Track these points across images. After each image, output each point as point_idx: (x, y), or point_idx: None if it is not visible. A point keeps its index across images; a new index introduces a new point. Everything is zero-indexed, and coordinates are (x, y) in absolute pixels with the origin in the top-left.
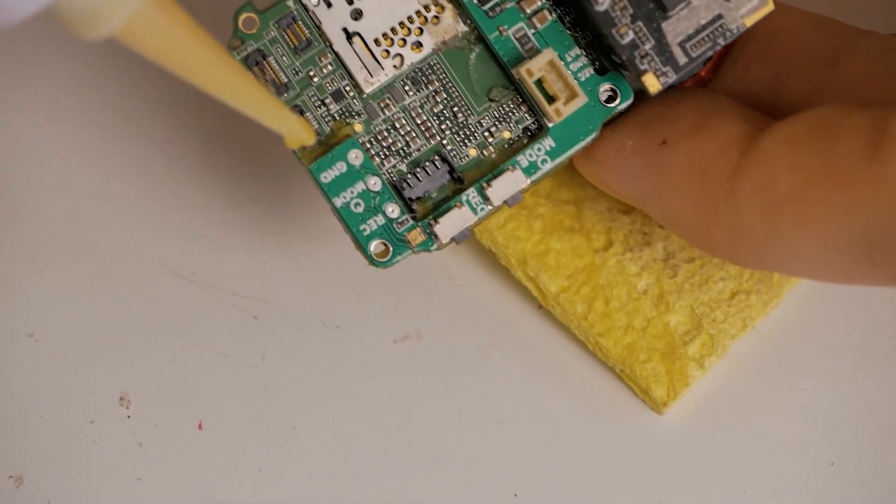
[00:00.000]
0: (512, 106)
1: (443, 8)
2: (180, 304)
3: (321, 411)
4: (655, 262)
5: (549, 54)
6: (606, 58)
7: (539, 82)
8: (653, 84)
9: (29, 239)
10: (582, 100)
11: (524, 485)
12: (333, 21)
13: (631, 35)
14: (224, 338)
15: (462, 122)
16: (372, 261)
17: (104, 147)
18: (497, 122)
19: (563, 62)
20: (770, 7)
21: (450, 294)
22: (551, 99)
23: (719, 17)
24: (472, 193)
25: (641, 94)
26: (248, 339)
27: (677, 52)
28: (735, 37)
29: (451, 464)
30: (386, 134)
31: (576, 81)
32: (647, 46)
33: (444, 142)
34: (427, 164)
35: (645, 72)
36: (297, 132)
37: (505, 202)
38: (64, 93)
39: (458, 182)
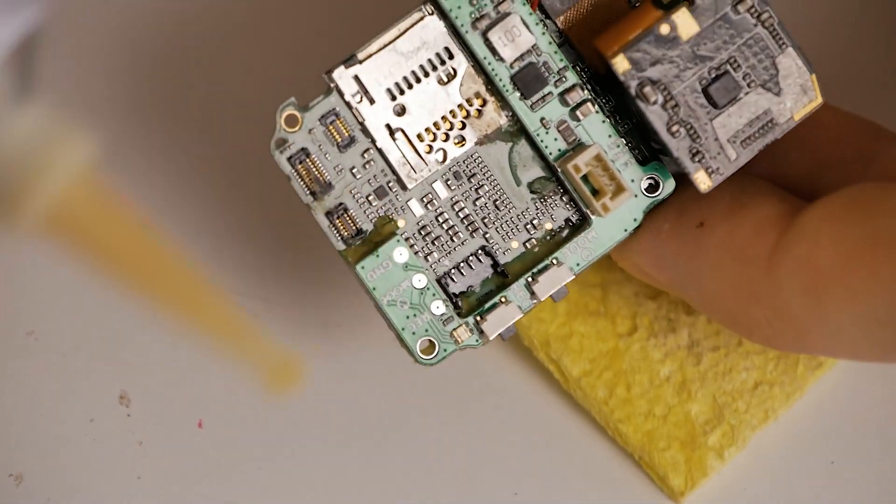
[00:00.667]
0: (554, 197)
1: (485, 101)
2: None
3: (321, 411)
4: (680, 349)
5: (595, 150)
6: (646, 145)
7: (584, 177)
8: (704, 182)
9: (29, 239)
10: (629, 194)
11: None
12: (377, 117)
13: (682, 133)
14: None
15: (504, 215)
16: (419, 359)
17: (104, 146)
18: (539, 214)
19: (607, 155)
20: (819, 101)
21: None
22: (596, 192)
23: (768, 111)
24: (517, 289)
25: (679, 178)
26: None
27: (728, 148)
28: (785, 132)
29: (451, 464)
30: (430, 229)
31: (622, 176)
32: (699, 144)
33: (487, 235)
34: (471, 258)
35: (697, 169)
36: (281, 369)
37: (551, 296)
38: (64, 92)
39: (503, 276)
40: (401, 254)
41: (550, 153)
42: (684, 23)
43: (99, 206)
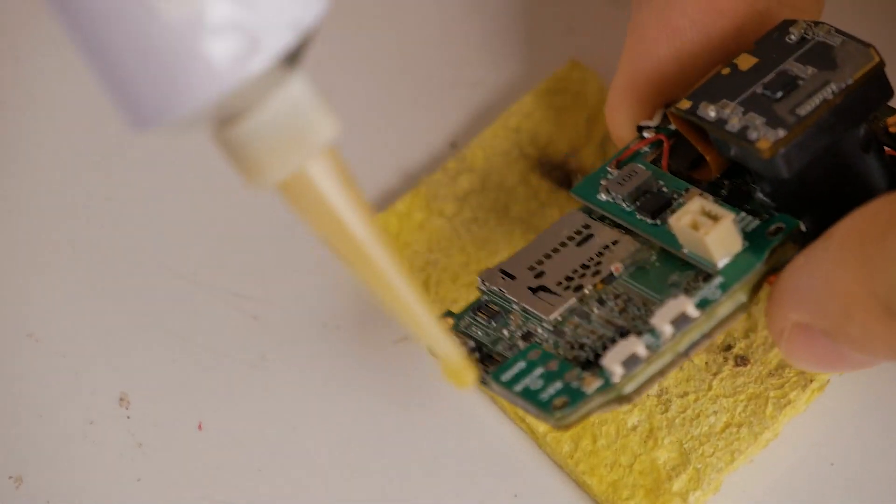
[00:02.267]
0: (690, 283)
1: (617, 241)
2: (180, 305)
3: (321, 411)
4: (648, 397)
5: (696, 202)
6: (768, 211)
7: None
8: (765, 145)
9: (29, 239)
10: (727, 220)
11: None
12: (519, 287)
13: (743, 123)
14: (224, 338)
15: (645, 312)
16: (555, 416)
17: (104, 147)
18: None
19: (709, 199)
20: (875, 59)
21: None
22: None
23: (827, 82)
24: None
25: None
26: (248, 339)
27: (787, 117)
28: (844, 92)
29: (452, 464)
30: (572, 339)
31: (721, 210)
32: (759, 123)
33: (628, 326)
34: (607, 341)
35: (757, 140)
36: (458, 367)
37: (677, 330)
38: (65, 92)
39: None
40: (536, 354)
41: (678, 244)
42: (744, 61)
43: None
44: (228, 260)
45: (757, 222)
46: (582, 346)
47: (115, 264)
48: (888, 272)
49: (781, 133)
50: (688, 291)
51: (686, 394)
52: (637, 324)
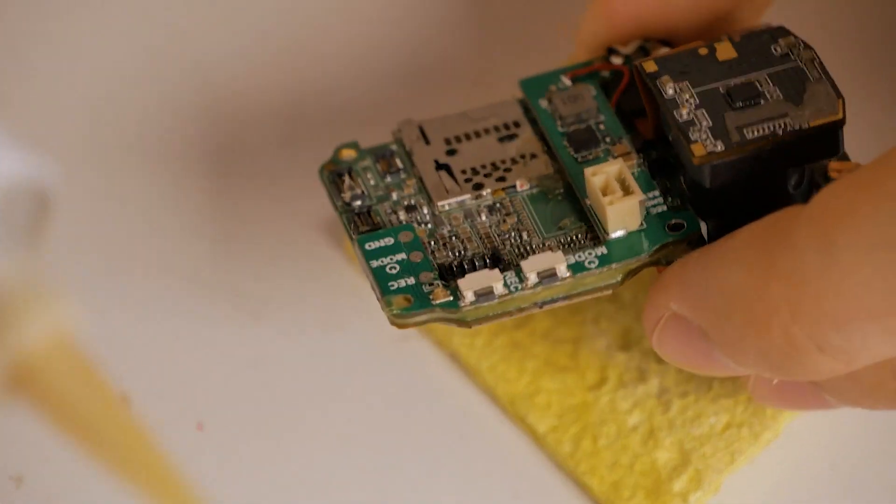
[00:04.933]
0: (578, 236)
1: (535, 156)
2: (180, 304)
3: (321, 411)
4: (649, 397)
5: (618, 163)
6: (682, 199)
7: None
8: (699, 151)
9: None
10: (637, 197)
11: None
12: (427, 155)
13: (691, 111)
14: (224, 338)
15: (525, 241)
16: (393, 311)
17: (104, 146)
18: (560, 247)
19: (629, 172)
20: (839, 117)
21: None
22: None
23: (784, 114)
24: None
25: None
26: (248, 339)
27: (732, 132)
28: (796, 134)
29: (451, 464)
30: (447, 238)
31: (637, 186)
32: (704, 125)
33: (502, 250)
34: (477, 259)
35: (695, 142)
36: None
37: (541, 282)
38: (64, 92)
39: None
40: (407, 236)
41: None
42: (724, 49)
43: (73, 370)
44: (228, 260)
45: (664, 208)
46: (452, 250)
47: (115, 264)
48: (780, 280)
49: (720, 147)
50: (569, 246)
51: (686, 394)
52: (511, 252)
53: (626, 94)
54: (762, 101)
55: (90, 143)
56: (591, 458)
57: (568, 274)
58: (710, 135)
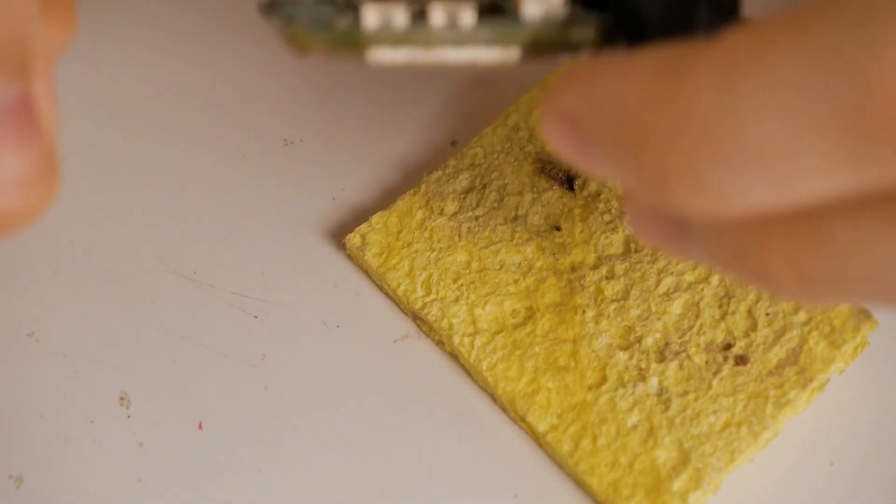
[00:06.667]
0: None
1: None
2: (180, 304)
3: (321, 411)
4: (649, 397)
5: None
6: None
7: None
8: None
9: (29, 239)
10: None
11: None
12: None
13: None
14: (224, 338)
15: None
16: (290, 29)
17: (104, 146)
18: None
19: None
20: None
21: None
22: None
23: None
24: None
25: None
26: (248, 339)
27: None
28: None
29: (452, 463)
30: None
31: None
32: None
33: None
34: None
35: None
36: None
37: (437, 28)
38: (64, 92)
39: None
40: None
41: None
42: None
43: None
44: (228, 260)
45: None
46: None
47: (115, 264)
48: (672, 108)
49: None
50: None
51: (686, 393)
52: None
53: None
54: None
55: (90, 142)
56: (590, 457)
57: (472, 23)
58: None
